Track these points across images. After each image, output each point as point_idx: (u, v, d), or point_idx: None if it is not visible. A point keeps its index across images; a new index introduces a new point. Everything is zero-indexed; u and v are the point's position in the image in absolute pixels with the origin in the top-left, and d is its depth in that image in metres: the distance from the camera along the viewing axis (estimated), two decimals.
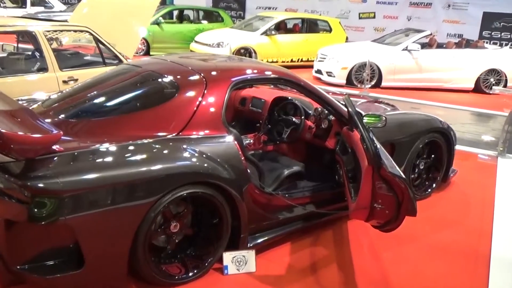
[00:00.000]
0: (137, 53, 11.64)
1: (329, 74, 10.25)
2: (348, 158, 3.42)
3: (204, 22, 13.94)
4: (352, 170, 3.35)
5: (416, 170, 4.37)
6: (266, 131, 4.23)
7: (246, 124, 4.51)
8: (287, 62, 11.85)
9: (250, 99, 4.54)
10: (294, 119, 4.01)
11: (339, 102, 3.73)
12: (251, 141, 4.25)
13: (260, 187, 3.30)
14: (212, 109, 3.12)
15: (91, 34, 5.67)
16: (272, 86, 4.89)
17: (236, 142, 3.08)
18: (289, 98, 4.24)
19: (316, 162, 4.08)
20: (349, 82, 9.98)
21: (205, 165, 2.86)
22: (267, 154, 4.18)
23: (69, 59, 5.93)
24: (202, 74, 3.25)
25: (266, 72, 3.56)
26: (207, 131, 3.04)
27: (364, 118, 3.57)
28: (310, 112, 4.08)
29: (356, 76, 10.01)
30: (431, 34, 10.54)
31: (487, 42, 12.38)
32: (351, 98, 3.56)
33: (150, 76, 3.40)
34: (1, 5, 14.63)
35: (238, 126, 4.39)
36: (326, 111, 3.84)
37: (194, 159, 2.86)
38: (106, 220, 2.53)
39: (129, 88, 3.37)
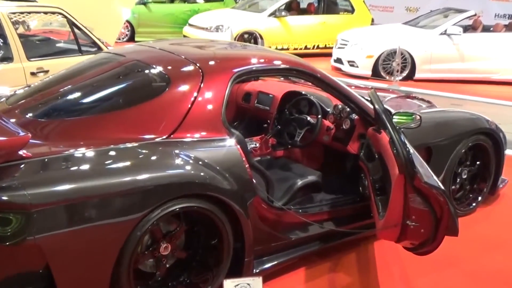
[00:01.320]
0: (119, 39, 11.71)
1: (351, 63, 10.26)
2: (374, 166, 3.43)
3: (200, 1, 14.00)
4: (380, 180, 3.36)
5: (458, 179, 4.37)
6: (275, 133, 4.24)
7: (251, 125, 4.52)
8: (301, 49, 11.88)
9: (255, 95, 4.56)
10: (309, 119, 4.02)
11: (364, 98, 3.74)
12: (257, 145, 4.26)
13: (268, 200, 3.30)
14: (210, 107, 3.13)
15: (64, 16, 5.71)
16: (282, 78, 4.90)
17: (238, 146, 3.09)
18: (303, 93, 4.25)
19: (336, 171, 4.09)
20: (376, 74, 9.99)
21: (202, 174, 2.87)
22: (276, 161, 4.19)
23: (39, 46, 5.98)
24: (197, 64, 3.26)
25: (275, 62, 3.57)
26: (204, 133, 3.05)
27: (394, 117, 3.58)
28: (329, 110, 4.09)
29: (384, 66, 10.01)
30: (475, 14, 10.52)
31: None
32: (378, 93, 3.57)
33: (135, 67, 3.42)
34: None
35: (241, 127, 4.41)
36: (348, 109, 3.84)
37: (188, 167, 2.86)
38: (82, 240, 2.53)
39: (110, 82, 3.39)
